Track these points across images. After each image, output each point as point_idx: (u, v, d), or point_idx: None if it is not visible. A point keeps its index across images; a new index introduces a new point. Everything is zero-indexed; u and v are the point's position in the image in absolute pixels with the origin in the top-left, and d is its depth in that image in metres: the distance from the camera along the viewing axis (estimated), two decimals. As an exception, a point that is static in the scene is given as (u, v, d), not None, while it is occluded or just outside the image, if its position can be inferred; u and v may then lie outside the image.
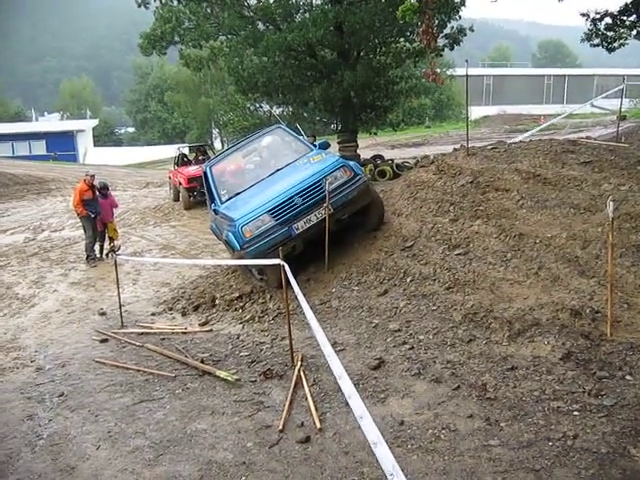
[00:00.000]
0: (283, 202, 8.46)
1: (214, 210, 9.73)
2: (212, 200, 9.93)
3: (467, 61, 11.70)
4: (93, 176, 13.22)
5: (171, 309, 9.29)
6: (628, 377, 4.95)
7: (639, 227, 7.52)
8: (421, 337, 6.34)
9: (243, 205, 8.98)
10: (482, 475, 3.95)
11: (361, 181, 8.93)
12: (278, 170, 9.56)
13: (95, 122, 64.67)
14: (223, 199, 9.65)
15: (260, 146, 10.48)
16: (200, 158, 20.31)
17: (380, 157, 21.87)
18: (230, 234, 8.78)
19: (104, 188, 13.51)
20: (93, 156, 51.32)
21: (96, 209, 12.96)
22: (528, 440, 4.27)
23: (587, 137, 13.63)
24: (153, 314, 9.18)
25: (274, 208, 8.45)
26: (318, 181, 8.58)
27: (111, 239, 13.41)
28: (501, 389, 5.04)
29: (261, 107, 41.04)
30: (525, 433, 4.37)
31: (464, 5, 19.10)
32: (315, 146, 10.16)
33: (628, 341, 5.53)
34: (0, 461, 4.88)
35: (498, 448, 4.23)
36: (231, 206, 9.27)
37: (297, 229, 8.49)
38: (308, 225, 8.53)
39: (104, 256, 13.22)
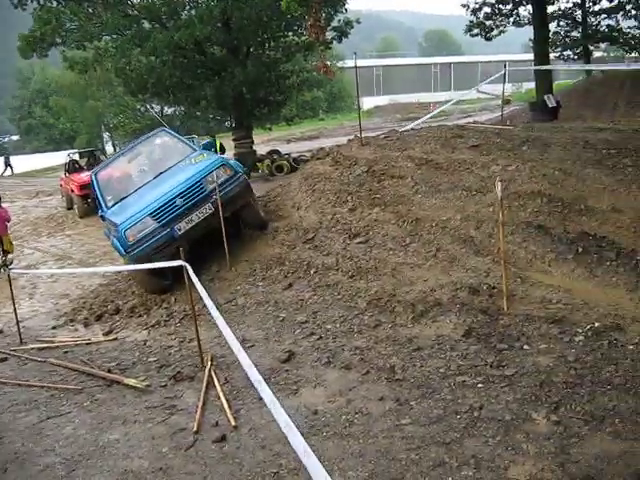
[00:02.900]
0: (164, 204, 8.61)
1: (101, 216, 9.78)
2: (100, 207, 9.94)
3: (355, 53, 11.94)
4: None
5: (72, 321, 8.97)
6: (526, 347, 5.21)
7: (527, 205, 7.93)
8: (328, 326, 6.42)
9: (126, 209, 9.09)
10: (396, 454, 4.05)
11: (241, 179, 9.18)
12: (161, 173, 9.68)
13: (-24, 132, 61.59)
14: (109, 205, 9.71)
15: (144, 150, 10.60)
16: (92, 164, 19.68)
17: (277, 152, 21.86)
18: (115, 239, 8.92)
19: None
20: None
21: None
22: (437, 415, 4.42)
23: (474, 122, 14.19)
24: (54, 327, 8.83)
25: (156, 210, 8.60)
26: (198, 181, 8.78)
27: (6, 252, 12.69)
28: (409, 369, 5.18)
29: (152, 108, 40.27)
30: (434, 409, 4.51)
31: (350, -2, 19.38)
32: (200, 147, 10.46)
33: (524, 313, 5.82)
34: None
35: (410, 426, 4.35)
36: (116, 211, 9.36)
37: (179, 230, 8.65)
38: (190, 225, 8.70)
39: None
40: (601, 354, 4.85)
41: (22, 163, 44.33)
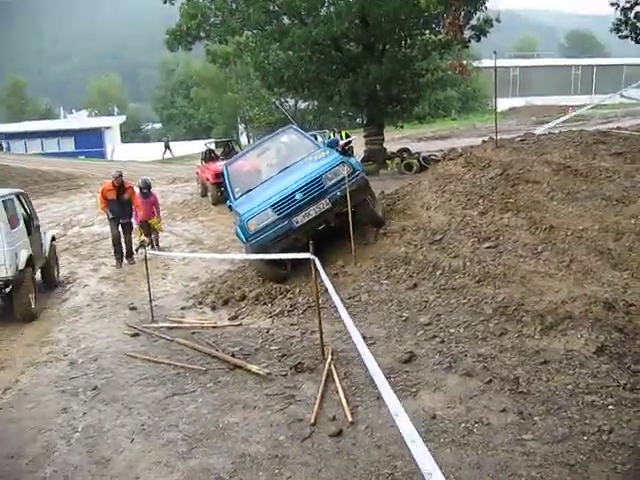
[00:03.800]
0: (285, 197, 9.04)
1: (229, 206, 10.31)
2: (228, 197, 10.54)
3: (495, 52, 11.57)
4: (120, 176, 12.36)
5: (200, 303, 9.32)
6: (664, 371, 4.89)
7: (673, 219, 7.43)
8: (452, 330, 6.31)
9: (251, 201, 9.61)
10: (516, 469, 3.92)
11: (359, 176, 9.39)
12: (286, 168, 10.09)
13: (122, 119, 64.93)
14: (237, 196, 10.28)
15: (272, 146, 11.14)
16: (227, 153, 20.37)
17: (407, 150, 21.74)
18: (238, 228, 9.53)
19: (145, 187, 13.09)
20: (121, 152, 51.55)
21: (118, 212, 12.33)
22: (562, 434, 4.24)
23: (618, 127, 13.43)
24: (183, 308, 9.22)
25: (276, 203, 9.05)
26: (317, 177, 9.13)
27: (155, 232, 13.25)
28: (534, 383, 5.00)
29: (287, 102, 41.19)
30: (559, 427, 4.33)
31: (490, -4, 18.90)
32: (324, 144, 10.81)
33: (664, 334, 5.46)
34: (37, 453, 4.95)
35: (532, 442, 4.20)
36: (242, 202, 9.92)
37: (297, 222, 9.03)
38: (307, 219, 9.06)
39: (150, 248, 12.37)
40: None
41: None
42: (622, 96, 34.90)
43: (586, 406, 4.55)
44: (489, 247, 7.90)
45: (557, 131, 12.54)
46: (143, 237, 12.98)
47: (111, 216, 12.43)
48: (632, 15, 20.69)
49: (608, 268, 6.89)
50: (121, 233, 12.47)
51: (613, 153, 9.38)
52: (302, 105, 41.04)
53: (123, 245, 12.54)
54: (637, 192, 6.94)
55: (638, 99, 36.83)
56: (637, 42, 21.24)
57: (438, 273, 7.73)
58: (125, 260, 12.51)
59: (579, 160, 9.27)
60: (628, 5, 20.52)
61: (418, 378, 5.42)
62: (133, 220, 12.76)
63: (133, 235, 12.86)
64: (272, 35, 19.63)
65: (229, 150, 21.11)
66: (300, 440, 4.68)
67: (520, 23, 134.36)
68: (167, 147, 46.58)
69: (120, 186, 12.36)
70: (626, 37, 21.26)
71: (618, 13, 20.87)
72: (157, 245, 12.84)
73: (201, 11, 19.49)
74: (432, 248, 8.39)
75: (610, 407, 4.49)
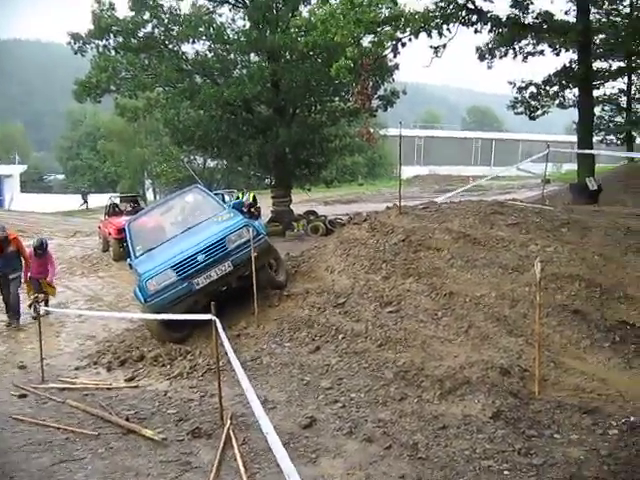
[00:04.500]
0: (186, 258, 8.96)
1: (129, 264, 10.02)
2: (129, 255, 10.29)
3: (401, 123, 12.03)
4: (2, 230, 11.33)
5: (96, 363, 8.92)
6: (556, 435, 5.03)
7: (564, 287, 7.81)
8: (353, 395, 6.28)
9: (151, 260, 9.46)
10: (414, 538, 3.88)
11: (262, 240, 9.48)
12: (190, 228, 10.02)
13: (23, 168, 62.88)
14: (138, 254, 10.06)
15: (177, 204, 11.10)
16: (132, 209, 19.99)
17: (313, 213, 22.08)
18: (137, 288, 9.29)
19: (40, 248, 11.97)
20: (20, 202, 49.61)
21: (4, 267, 11.33)
22: (459, 501, 4.25)
23: (514, 199, 14.12)
24: (77, 368, 8.80)
25: (178, 264, 8.95)
26: (220, 240, 9.11)
27: (45, 293, 12.39)
28: (432, 448, 5.02)
29: (195, 159, 41.15)
30: (456, 494, 4.34)
31: (397, 69, 19.78)
32: (229, 205, 10.83)
33: (555, 399, 5.65)
34: None
35: (430, 509, 4.18)
36: (142, 260, 9.73)
37: (198, 284, 8.96)
38: (208, 281, 9.00)
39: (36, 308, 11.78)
40: (636, 451, 4.64)
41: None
42: (519, 169, 36.86)
43: (483, 471, 4.59)
44: (391, 312, 8.01)
45: (458, 200, 13.03)
46: (35, 293, 12.19)
47: None
48: (527, 94, 22.27)
49: (504, 334, 7.12)
50: (11, 289, 11.52)
51: (509, 223, 9.82)
52: (211, 164, 41.11)
53: (17, 302, 11.65)
54: (531, 261, 7.26)
55: (532, 172, 38.96)
56: (531, 118, 22.81)
57: (340, 337, 7.74)
58: (16, 317, 11.71)
59: (478, 229, 9.64)
60: (523, 85, 22.11)
61: (318, 444, 5.33)
62: (22, 274, 11.93)
63: (21, 290, 12.08)
64: (183, 93, 19.68)
65: (134, 205, 20.75)
66: (194, 510, 4.48)
67: (426, 97, 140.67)
68: (84, 199, 45.97)
69: (4, 239, 11.36)
70: (521, 113, 22.80)
71: (515, 92, 22.47)
72: (46, 305, 11.88)
73: (112, 65, 19.35)
74: (335, 311, 8.43)
75: (505, 472, 4.54)
